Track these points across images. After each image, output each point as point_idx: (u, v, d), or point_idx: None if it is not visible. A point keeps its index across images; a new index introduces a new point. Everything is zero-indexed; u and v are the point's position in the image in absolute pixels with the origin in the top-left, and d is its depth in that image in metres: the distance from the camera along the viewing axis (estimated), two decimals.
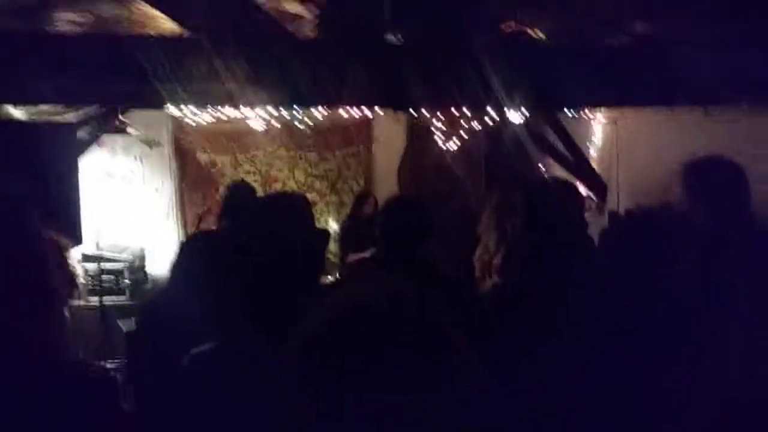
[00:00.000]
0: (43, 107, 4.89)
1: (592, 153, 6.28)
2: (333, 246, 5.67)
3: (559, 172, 6.10)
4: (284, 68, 3.80)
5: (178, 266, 2.34)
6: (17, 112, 4.84)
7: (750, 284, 2.01)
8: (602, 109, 5.81)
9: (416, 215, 2.44)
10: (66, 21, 3.70)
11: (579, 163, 6.14)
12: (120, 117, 5.69)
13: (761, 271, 2.04)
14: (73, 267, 1.80)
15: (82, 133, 5.67)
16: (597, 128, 6.24)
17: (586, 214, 5.72)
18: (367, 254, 3.66)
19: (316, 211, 6.45)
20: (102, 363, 3.99)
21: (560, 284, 1.82)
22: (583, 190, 6.07)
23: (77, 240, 4.72)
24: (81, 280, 5.51)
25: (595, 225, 4.21)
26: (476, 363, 0.78)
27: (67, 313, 1.63)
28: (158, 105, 4.33)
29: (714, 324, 1.99)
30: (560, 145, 6.20)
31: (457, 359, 0.77)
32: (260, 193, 5.54)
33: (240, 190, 4.58)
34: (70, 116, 5.34)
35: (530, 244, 1.95)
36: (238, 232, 2.65)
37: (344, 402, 0.72)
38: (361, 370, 0.72)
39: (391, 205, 2.56)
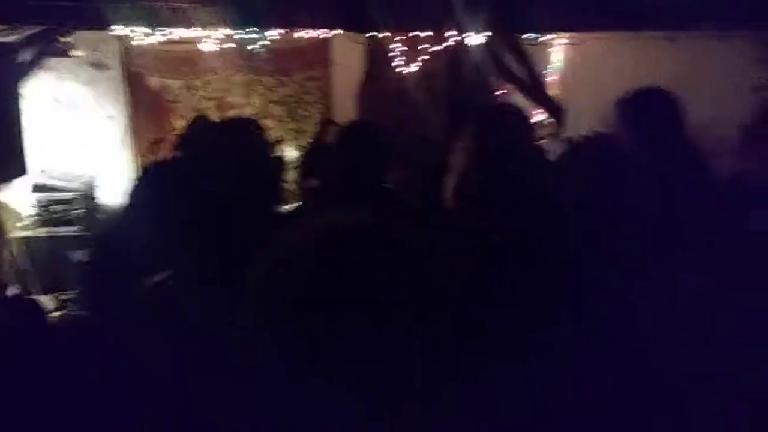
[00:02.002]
0: None
1: (554, 77, 6.25)
2: (292, 174, 5.60)
3: (519, 96, 6.08)
4: None
5: (132, 196, 2.28)
6: None
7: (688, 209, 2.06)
8: (565, 32, 5.75)
9: (376, 142, 2.39)
10: None
11: (538, 89, 6.11)
12: (64, 38, 5.39)
13: (698, 197, 2.08)
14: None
15: (23, 56, 5.38)
16: (559, 52, 6.19)
17: (544, 141, 5.78)
18: (323, 182, 3.61)
19: (275, 138, 6.33)
20: (56, 294, 3.94)
21: (513, 210, 1.83)
22: (541, 115, 6.08)
23: (21, 170, 4.56)
24: (12, 214, 5.37)
25: (554, 150, 4.24)
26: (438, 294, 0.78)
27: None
28: (105, 25, 4.11)
29: (656, 258, 2.03)
30: (520, 70, 6.15)
31: (417, 290, 0.76)
32: (216, 119, 5.39)
33: (199, 125, 4.47)
34: (10, 38, 5.05)
35: (480, 169, 1.94)
36: (193, 161, 2.58)
37: (309, 329, 0.72)
38: (327, 298, 0.72)
39: (350, 131, 2.49)
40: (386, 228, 0.81)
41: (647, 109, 2.44)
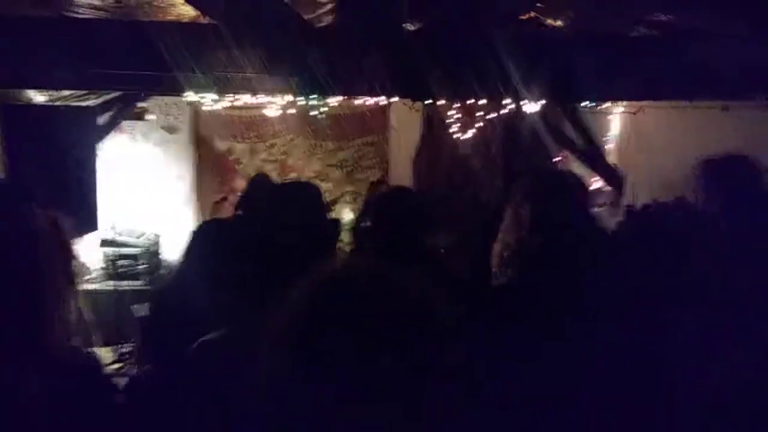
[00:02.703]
0: (65, 92, 4.96)
1: (611, 146, 6.22)
2: (347, 236, 5.68)
3: (576, 164, 6.05)
4: (301, 56, 3.81)
5: (189, 253, 2.35)
6: (39, 97, 4.91)
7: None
8: (621, 101, 5.75)
9: (410, 206, 2.41)
10: (87, 5, 3.73)
11: (596, 156, 6.08)
12: (140, 103, 5.73)
13: None
14: (76, 254, 1.81)
15: (102, 119, 5.74)
16: (616, 120, 6.18)
17: (603, 208, 5.70)
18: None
19: (332, 201, 6.46)
20: (115, 347, 4.04)
21: (564, 277, 1.81)
22: (599, 183, 6.03)
23: (93, 225, 4.79)
24: (85, 267, 5.57)
25: (611, 218, 4.19)
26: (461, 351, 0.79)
27: (71, 299, 1.66)
28: (178, 91, 4.37)
29: (729, 324, 1.97)
30: (577, 137, 6.15)
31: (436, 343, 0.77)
32: (276, 182, 5.57)
33: (259, 182, 4.64)
34: (91, 101, 5.40)
35: (533, 235, 1.94)
36: (251, 220, 2.66)
37: (323, 374, 0.73)
38: (336, 340, 0.74)
39: (385, 195, 2.55)
40: (404, 280, 0.83)
41: (737, 175, 2.38)
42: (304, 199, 2.10)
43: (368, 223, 2.45)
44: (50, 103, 4.97)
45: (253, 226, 2.04)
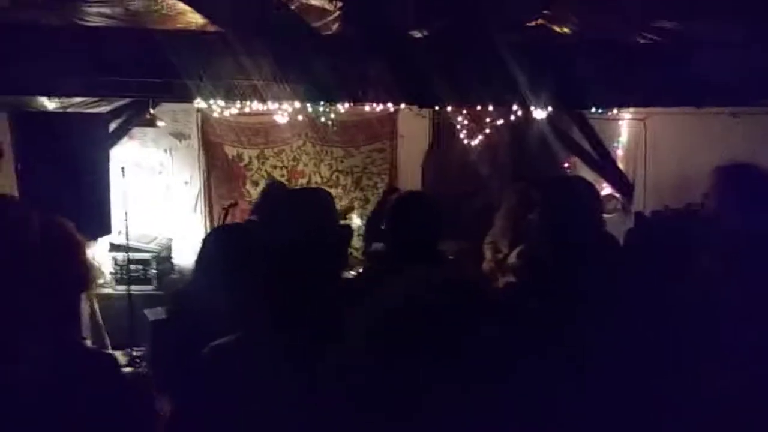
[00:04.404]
0: (76, 99, 5.00)
1: (620, 152, 6.22)
2: (357, 242, 5.70)
3: (586, 170, 6.06)
4: (309, 63, 3.83)
5: (202, 259, 2.38)
6: (50, 104, 4.96)
7: None
8: (630, 108, 5.75)
9: (425, 213, 2.42)
10: (97, 14, 3.77)
11: (606, 162, 6.08)
12: (150, 110, 5.78)
13: None
14: (90, 259, 1.84)
15: (113, 125, 5.80)
16: (624, 127, 6.18)
17: (613, 214, 5.70)
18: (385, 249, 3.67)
19: (343, 207, 6.48)
20: (128, 350, 4.08)
21: (576, 282, 1.82)
22: (609, 189, 6.02)
23: (106, 229, 4.83)
24: (99, 272, 5.61)
25: (621, 224, 4.19)
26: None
27: (83, 303, 1.69)
28: (187, 98, 4.41)
29: (739, 329, 1.97)
30: (587, 144, 6.15)
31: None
32: (289, 188, 5.59)
33: (273, 188, 4.67)
34: (102, 108, 5.45)
35: (545, 241, 1.95)
36: (265, 225, 2.69)
37: (403, 388, 0.75)
38: (418, 357, 0.76)
39: (399, 202, 2.55)
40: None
41: (749, 182, 2.39)
42: (317, 205, 2.13)
43: (384, 227, 2.45)
44: (62, 110, 5.02)
45: (267, 231, 2.07)
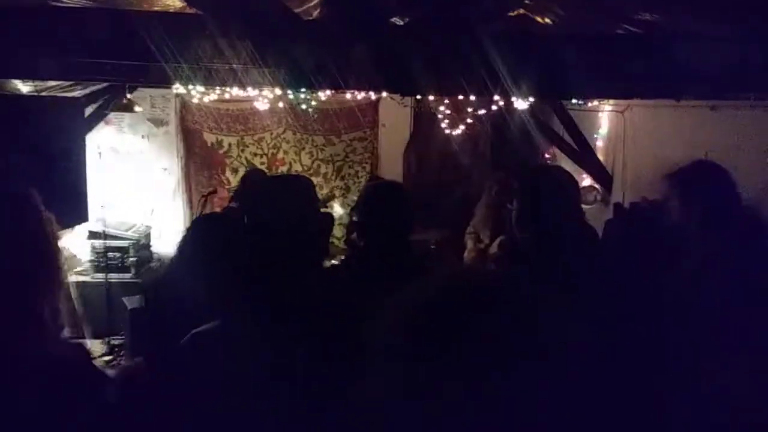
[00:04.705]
0: (51, 83, 4.90)
1: (599, 143, 6.27)
2: (338, 231, 5.69)
3: (566, 161, 6.10)
4: (289, 49, 3.79)
5: (185, 246, 2.36)
6: (24, 87, 4.85)
7: (746, 281, 2.02)
8: (610, 99, 5.79)
9: (395, 202, 2.41)
10: None
11: (585, 154, 6.12)
12: (127, 95, 5.69)
13: (756, 268, 2.05)
14: (63, 247, 1.81)
15: (89, 110, 5.69)
16: (604, 118, 6.22)
17: (592, 205, 5.75)
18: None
19: (322, 196, 6.47)
20: (107, 339, 4.04)
21: (556, 273, 1.83)
22: (588, 180, 6.07)
23: (83, 216, 4.75)
24: (76, 259, 5.54)
25: (600, 215, 4.22)
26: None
27: (59, 292, 1.66)
28: (164, 83, 4.33)
29: (717, 318, 2.00)
30: (566, 135, 6.19)
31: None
32: (270, 175, 5.56)
33: (253, 176, 4.64)
34: (77, 92, 5.35)
35: (525, 231, 1.95)
36: (245, 213, 2.67)
37: (437, 374, 0.75)
38: (456, 344, 0.76)
39: (370, 191, 2.55)
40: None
41: (700, 183, 2.40)
42: (298, 193, 2.11)
43: (355, 218, 2.46)
44: (36, 94, 4.91)
45: (247, 218, 2.05)
